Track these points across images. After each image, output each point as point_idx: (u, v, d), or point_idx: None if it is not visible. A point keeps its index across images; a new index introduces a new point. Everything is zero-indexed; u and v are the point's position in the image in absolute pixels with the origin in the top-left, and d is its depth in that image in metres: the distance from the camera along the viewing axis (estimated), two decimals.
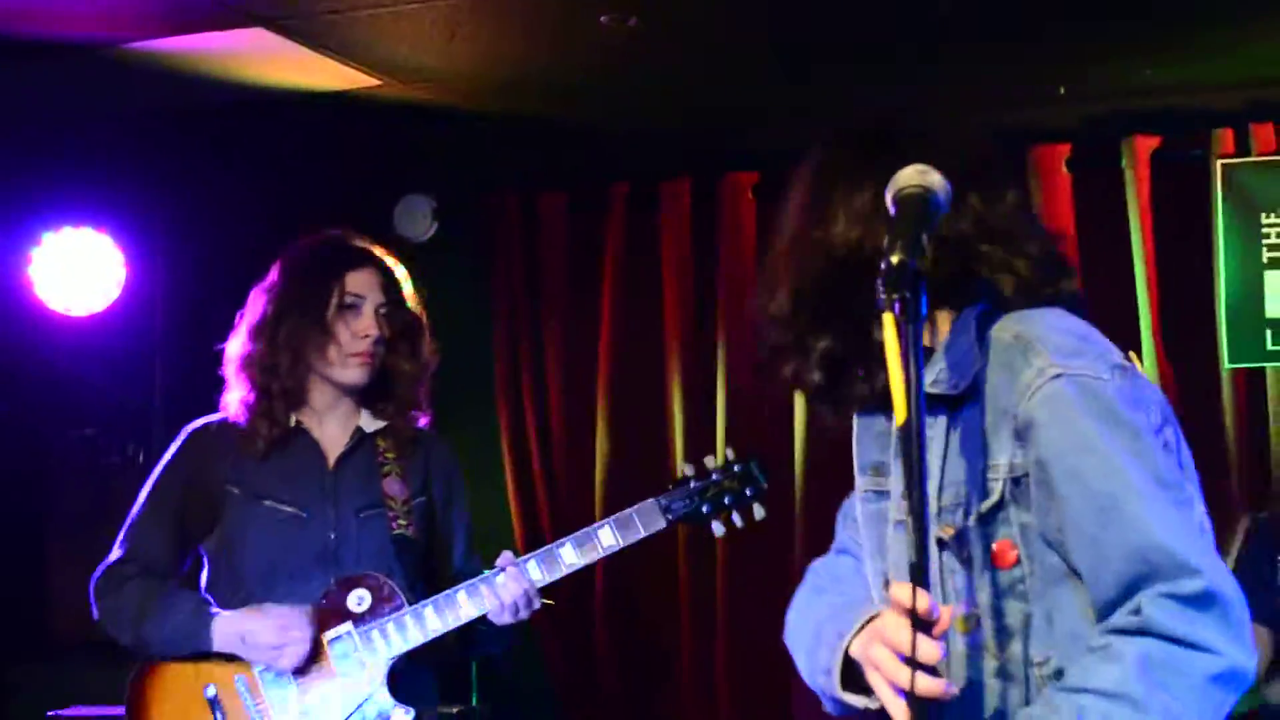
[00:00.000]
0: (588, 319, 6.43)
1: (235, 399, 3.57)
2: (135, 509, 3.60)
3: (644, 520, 3.48)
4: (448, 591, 3.50)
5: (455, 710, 4.62)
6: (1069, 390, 1.97)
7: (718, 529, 3.56)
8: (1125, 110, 5.74)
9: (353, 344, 3.53)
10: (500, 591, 3.44)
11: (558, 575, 3.48)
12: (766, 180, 6.16)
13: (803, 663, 2.22)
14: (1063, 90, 5.50)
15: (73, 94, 5.12)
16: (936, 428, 2.07)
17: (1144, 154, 5.75)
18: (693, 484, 3.53)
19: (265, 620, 3.41)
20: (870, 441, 2.20)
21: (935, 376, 2.05)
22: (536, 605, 3.51)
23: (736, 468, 3.57)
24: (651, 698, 6.36)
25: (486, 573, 3.49)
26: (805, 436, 5.97)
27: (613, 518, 3.50)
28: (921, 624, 1.77)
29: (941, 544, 2.07)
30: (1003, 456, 2.03)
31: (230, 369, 3.60)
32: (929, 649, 1.77)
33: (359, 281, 3.58)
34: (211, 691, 3.46)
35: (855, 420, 2.24)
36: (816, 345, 2.10)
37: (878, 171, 2.01)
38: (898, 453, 2.07)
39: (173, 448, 3.63)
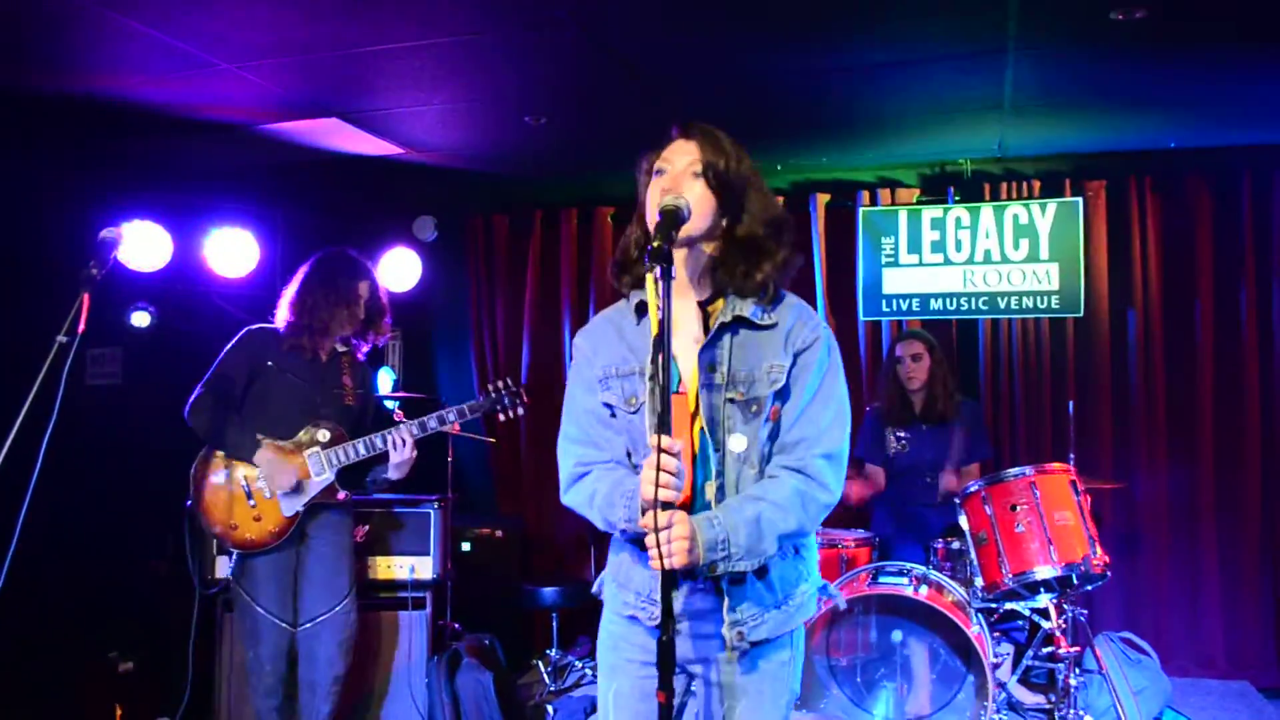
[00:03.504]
0: (518, 289, 6.44)
1: (284, 320, 3.87)
2: (214, 367, 3.83)
3: (461, 413, 3.80)
4: (372, 435, 3.78)
5: (437, 497, 4.50)
6: (829, 339, 2.15)
7: (501, 417, 3.86)
8: (813, 180, 5.87)
9: (353, 316, 3.92)
10: (393, 436, 3.75)
11: (424, 433, 3.79)
12: (620, 212, 6.22)
13: (598, 516, 2.15)
14: (779, 167, 5.66)
15: (226, 152, 5.08)
16: (746, 336, 2.10)
17: (821, 204, 5.90)
18: (491, 395, 3.85)
19: (275, 461, 3.73)
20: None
21: (764, 315, 2.11)
22: (406, 453, 3.76)
23: (511, 387, 3.87)
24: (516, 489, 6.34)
25: (392, 429, 3.79)
26: None
27: (448, 408, 3.83)
28: (667, 452, 1.89)
29: (732, 401, 2.07)
30: (784, 361, 2.08)
31: (285, 304, 3.89)
32: (669, 462, 1.90)
33: (364, 287, 3.95)
34: (240, 477, 3.76)
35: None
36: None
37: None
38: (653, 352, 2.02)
39: (238, 337, 3.88)
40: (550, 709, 4.76)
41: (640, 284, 2.18)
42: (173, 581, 5.07)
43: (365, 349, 4.08)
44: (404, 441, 3.75)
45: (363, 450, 3.79)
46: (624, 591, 2.18)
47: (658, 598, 2.02)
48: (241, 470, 3.79)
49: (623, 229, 6.77)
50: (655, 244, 1.91)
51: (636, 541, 2.11)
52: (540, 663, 5.32)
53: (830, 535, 4.72)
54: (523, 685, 5.23)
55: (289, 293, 3.93)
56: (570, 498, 2.22)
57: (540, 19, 3.59)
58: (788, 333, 2.11)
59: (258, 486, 3.78)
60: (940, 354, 5.01)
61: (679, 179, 2.10)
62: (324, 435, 3.81)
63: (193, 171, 5.44)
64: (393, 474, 3.85)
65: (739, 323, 2.11)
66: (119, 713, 4.42)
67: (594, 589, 2.36)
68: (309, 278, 3.92)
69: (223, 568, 4.23)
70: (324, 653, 3.79)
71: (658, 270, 1.89)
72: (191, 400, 3.80)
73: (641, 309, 2.17)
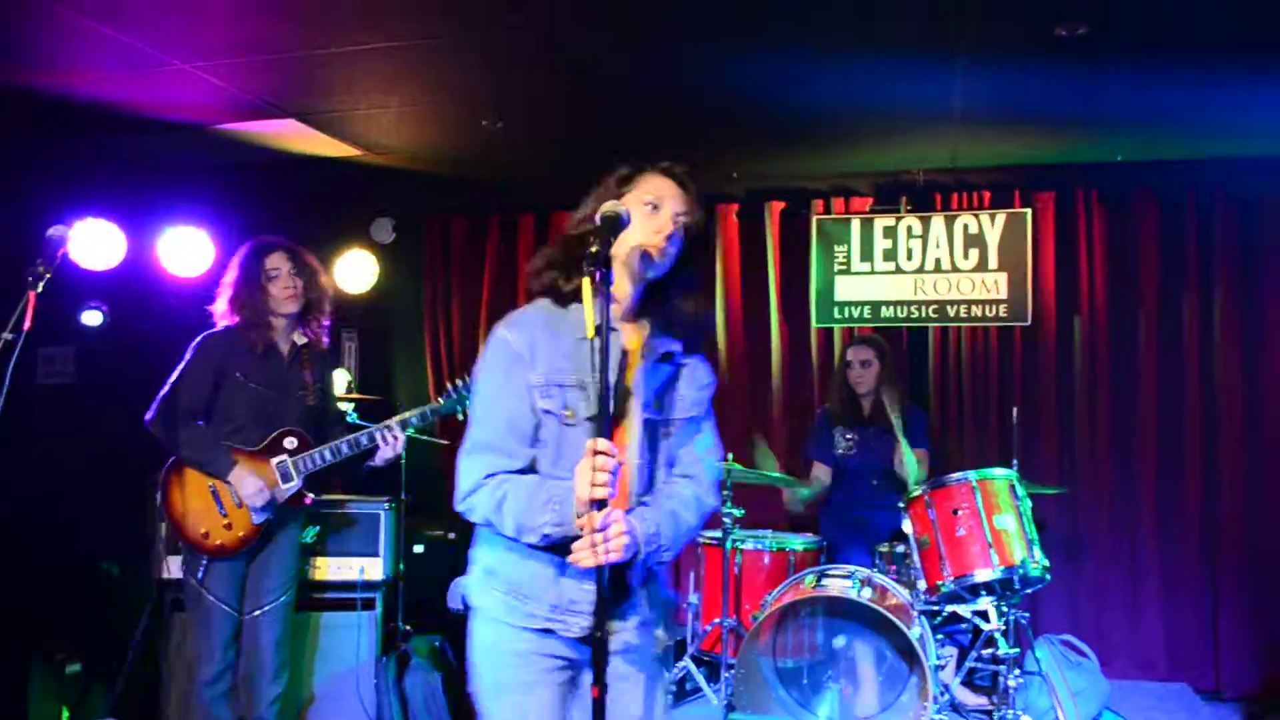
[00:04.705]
0: (475, 292, 6.40)
1: (226, 320, 3.86)
2: (175, 379, 3.80)
3: (436, 410, 3.88)
4: (356, 434, 3.83)
5: (388, 499, 4.54)
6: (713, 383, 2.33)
7: (461, 417, 3.71)
8: (768, 187, 5.88)
9: (281, 293, 3.86)
10: (385, 433, 3.80)
11: (408, 429, 3.85)
12: None
13: (509, 521, 2.10)
14: (735, 175, 5.67)
15: (182, 151, 5.09)
16: (663, 372, 2.24)
17: (776, 211, 5.95)
18: (447, 397, 3.89)
19: (249, 477, 3.73)
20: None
21: (683, 356, 2.28)
22: (398, 448, 3.83)
23: (465, 389, 3.82)
24: None
25: (374, 427, 3.83)
26: None
27: (426, 405, 3.90)
28: (602, 454, 1.94)
29: (653, 421, 2.21)
30: (692, 393, 2.28)
31: (221, 306, 3.88)
32: (607, 462, 1.94)
33: (275, 259, 3.89)
34: (208, 486, 3.77)
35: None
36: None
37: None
38: (592, 364, 2.06)
39: (196, 345, 3.84)
40: None
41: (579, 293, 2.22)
42: (122, 582, 5.05)
43: (325, 326, 4.04)
44: (396, 439, 3.82)
45: (329, 456, 3.83)
46: (530, 603, 2.16)
47: (581, 608, 2.13)
48: (210, 480, 3.80)
49: None
50: (593, 249, 1.95)
51: (557, 550, 2.11)
52: None
53: (779, 539, 4.79)
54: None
55: (222, 298, 3.93)
56: (469, 502, 2.15)
57: (497, 25, 3.64)
58: (694, 370, 2.30)
59: (228, 495, 3.79)
60: (892, 361, 5.11)
61: (671, 224, 2.20)
62: (291, 443, 3.84)
63: (148, 170, 5.42)
64: (379, 463, 3.91)
65: (665, 356, 2.25)
66: (65, 715, 4.40)
67: (457, 604, 2.35)
68: (232, 275, 3.94)
69: (173, 568, 4.23)
70: (273, 636, 3.87)
71: (595, 275, 1.95)
72: (154, 413, 3.80)
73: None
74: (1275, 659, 5.19)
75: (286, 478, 3.83)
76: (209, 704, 3.84)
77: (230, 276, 3.93)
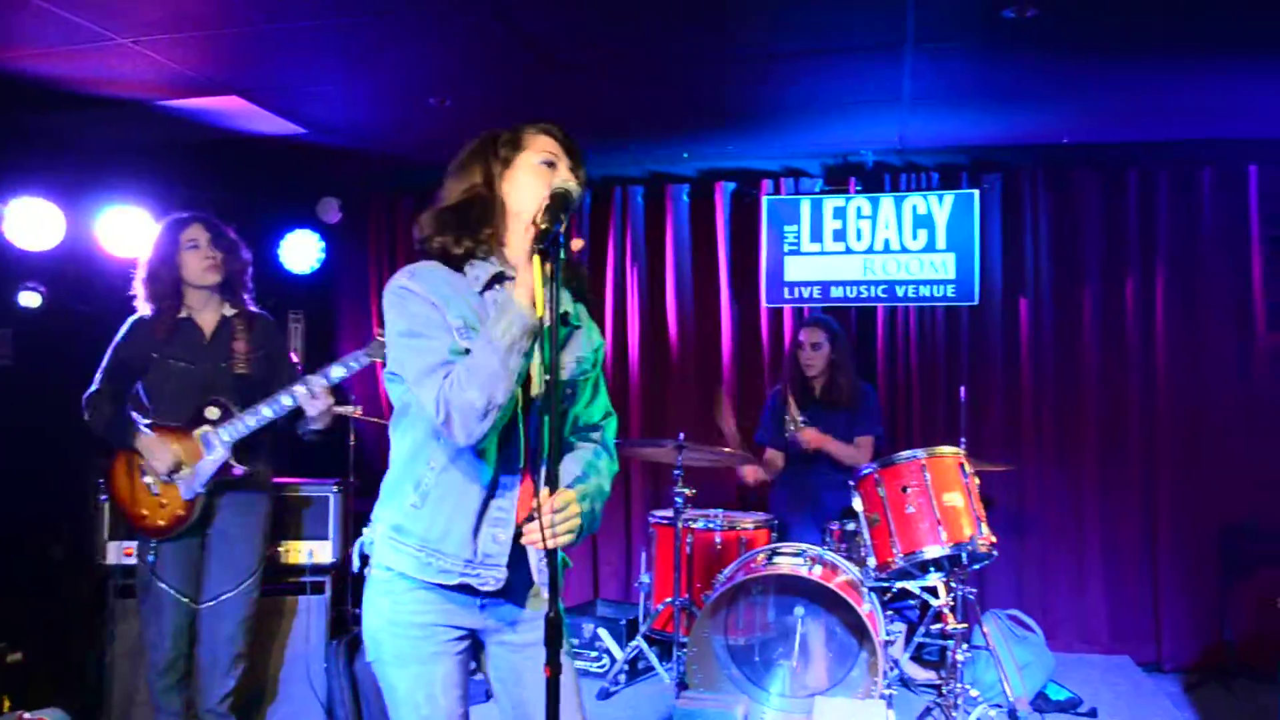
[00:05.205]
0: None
1: (146, 308, 3.81)
2: (105, 361, 3.78)
3: (358, 359, 3.68)
4: (276, 395, 3.69)
5: (336, 481, 4.42)
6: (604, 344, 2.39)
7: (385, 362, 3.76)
8: (717, 168, 5.92)
9: (200, 264, 3.79)
10: (307, 386, 3.65)
11: (331, 382, 3.68)
12: None
13: (471, 381, 2.00)
14: (686, 155, 5.73)
15: (123, 129, 4.95)
16: (560, 333, 2.17)
17: (726, 192, 6.00)
18: (370, 346, 3.68)
19: (153, 445, 3.69)
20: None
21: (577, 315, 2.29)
22: (323, 402, 3.68)
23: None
24: None
25: (295, 385, 3.68)
26: None
27: (347, 355, 3.70)
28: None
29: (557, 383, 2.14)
30: (588, 354, 2.28)
31: (140, 292, 3.83)
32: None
33: (192, 231, 3.83)
34: (138, 466, 3.74)
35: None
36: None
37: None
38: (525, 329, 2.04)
39: (123, 329, 3.82)
40: None
41: (472, 254, 2.20)
42: (65, 569, 4.96)
43: (248, 298, 3.97)
44: (314, 394, 3.67)
45: (251, 422, 3.72)
46: (443, 559, 2.13)
47: (496, 561, 2.13)
48: (139, 460, 3.76)
49: None
50: (544, 226, 1.95)
51: (470, 493, 2.12)
52: None
53: (730, 517, 4.82)
54: None
55: (138, 279, 3.87)
56: (444, 408, 2.02)
57: (449, 1, 3.60)
58: (588, 331, 2.30)
59: (155, 474, 3.75)
60: (843, 343, 5.15)
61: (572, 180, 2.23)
62: (214, 413, 3.74)
63: (88, 148, 5.29)
64: (317, 425, 3.77)
65: (563, 318, 2.22)
66: (7, 704, 4.32)
67: (356, 563, 2.29)
68: (147, 254, 3.88)
69: (113, 553, 4.17)
70: (226, 630, 3.78)
71: (548, 252, 1.96)
72: (86, 396, 3.77)
73: (496, 280, 2.19)
74: (1213, 632, 5.33)
75: (210, 448, 3.72)
76: (159, 694, 3.78)
77: (145, 256, 3.86)
